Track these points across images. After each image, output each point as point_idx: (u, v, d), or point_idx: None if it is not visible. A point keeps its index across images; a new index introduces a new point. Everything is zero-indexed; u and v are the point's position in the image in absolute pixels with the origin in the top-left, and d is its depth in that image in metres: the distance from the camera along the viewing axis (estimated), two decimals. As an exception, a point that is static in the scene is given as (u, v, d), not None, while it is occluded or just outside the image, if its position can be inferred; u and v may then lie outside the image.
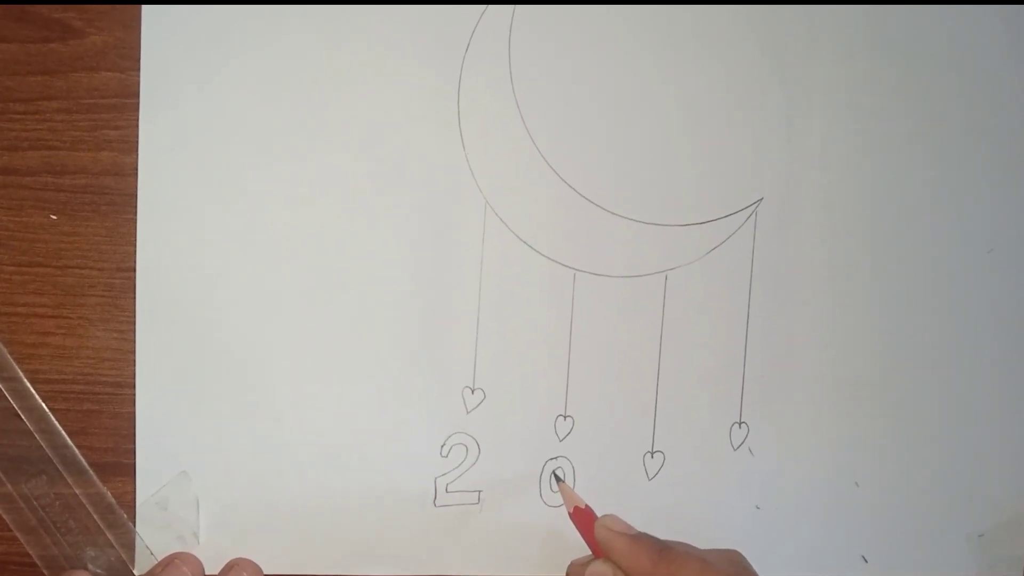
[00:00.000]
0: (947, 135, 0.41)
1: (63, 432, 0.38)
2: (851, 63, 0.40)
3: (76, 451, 0.38)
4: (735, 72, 0.40)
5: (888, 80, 0.41)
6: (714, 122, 0.40)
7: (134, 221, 0.38)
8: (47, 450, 0.38)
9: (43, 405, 0.38)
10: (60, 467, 0.38)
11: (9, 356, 0.38)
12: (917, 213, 0.41)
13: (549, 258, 0.40)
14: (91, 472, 0.38)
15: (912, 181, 0.41)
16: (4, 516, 0.38)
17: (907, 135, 0.41)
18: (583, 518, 0.36)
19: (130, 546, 0.38)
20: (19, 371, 0.38)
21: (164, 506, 0.39)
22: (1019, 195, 0.42)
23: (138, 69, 0.37)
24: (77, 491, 0.38)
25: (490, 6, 0.39)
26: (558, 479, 0.40)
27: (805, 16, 0.40)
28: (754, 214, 0.40)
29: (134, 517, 0.39)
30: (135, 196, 0.38)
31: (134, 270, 0.38)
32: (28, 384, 0.38)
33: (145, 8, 0.37)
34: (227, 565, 0.38)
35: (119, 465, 0.39)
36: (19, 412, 0.38)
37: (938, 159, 0.41)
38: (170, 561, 0.38)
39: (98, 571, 0.38)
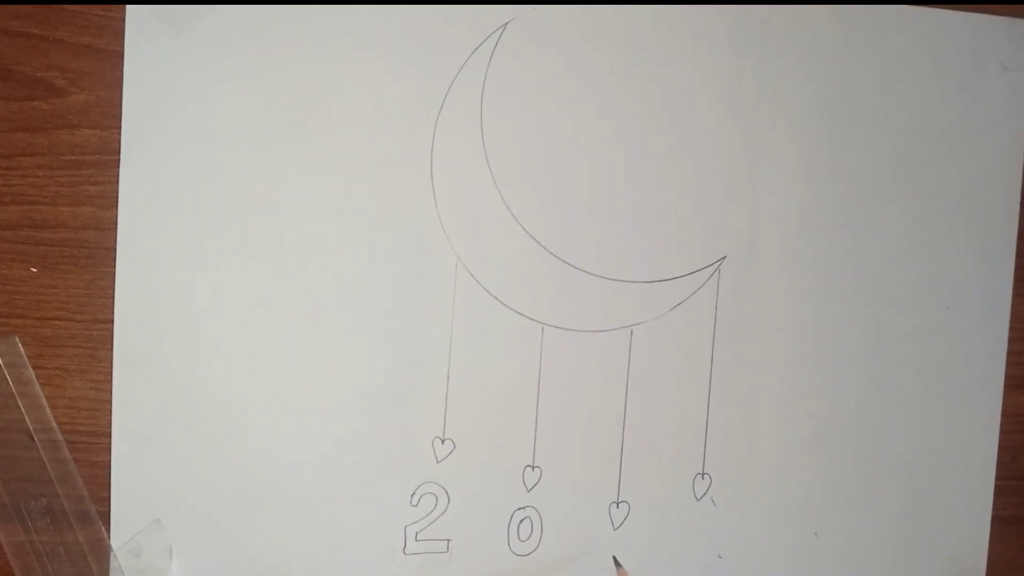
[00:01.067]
0: (907, 197, 0.43)
1: (81, 484, 0.39)
2: (814, 128, 0.42)
3: (89, 501, 0.39)
4: (701, 134, 0.41)
5: (849, 144, 0.42)
6: (680, 182, 0.41)
7: (112, 274, 0.39)
8: (62, 500, 0.39)
9: (69, 456, 0.39)
10: (69, 513, 0.39)
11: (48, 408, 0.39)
12: (876, 271, 0.43)
13: (518, 312, 0.41)
14: (98, 521, 0.39)
15: (871, 240, 0.43)
16: (10, 555, 0.38)
17: (867, 197, 0.42)
18: None
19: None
20: (54, 423, 0.39)
21: (137, 553, 0.39)
22: (976, 253, 0.43)
23: (119, 127, 0.38)
24: (80, 538, 0.39)
25: (466, 64, 0.40)
26: (617, 564, 0.39)
27: (770, 79, 0.41)
28: (717, 271, 0.42)
29: (109, 564, 0.39)
30: (114, 250, 0.38)
31: (112, 322, 0.39)
32: (60, 435, 0.39)
33: (127, 69, 0.38)
34: None
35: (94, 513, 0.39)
36: (44, 461, 0.38)
37: (898, 220, 0.43)
38: None
39: None
